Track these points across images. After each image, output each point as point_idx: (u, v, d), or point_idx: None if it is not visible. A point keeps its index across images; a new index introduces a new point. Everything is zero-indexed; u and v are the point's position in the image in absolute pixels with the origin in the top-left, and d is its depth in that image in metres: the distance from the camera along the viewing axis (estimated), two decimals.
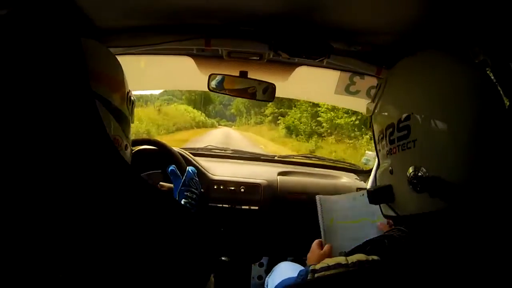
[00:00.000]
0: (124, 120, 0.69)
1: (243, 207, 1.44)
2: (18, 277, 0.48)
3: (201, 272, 0.71)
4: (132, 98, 0.73)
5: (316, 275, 0.53)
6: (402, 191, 0.55)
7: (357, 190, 1.41)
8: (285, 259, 1.34)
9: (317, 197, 0.94)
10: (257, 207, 1.44)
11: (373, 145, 0.69)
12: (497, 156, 0.49)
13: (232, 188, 1.43)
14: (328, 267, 0.53)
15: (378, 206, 0.64)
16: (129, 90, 0.73)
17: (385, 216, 0.62)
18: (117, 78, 0.68)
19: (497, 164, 0.49)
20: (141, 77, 1.44)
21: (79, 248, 0.51)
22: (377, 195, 0.61)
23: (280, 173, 1.54)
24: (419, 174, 0.51)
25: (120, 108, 0.68)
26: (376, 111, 0.64)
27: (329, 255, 0.84)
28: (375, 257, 0.52)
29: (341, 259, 0.53)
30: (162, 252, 0.59)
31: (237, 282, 1.50)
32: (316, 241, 0.91)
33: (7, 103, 0.50)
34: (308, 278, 0.54)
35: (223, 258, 1.24)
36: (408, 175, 0.52)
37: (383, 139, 0.60)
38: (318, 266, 0.54)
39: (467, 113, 0.50)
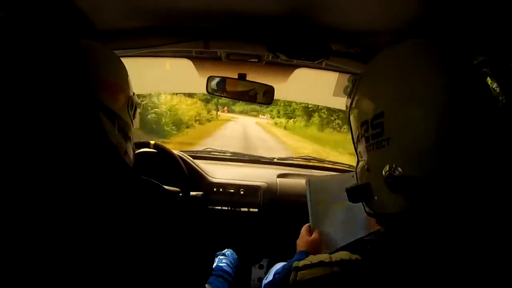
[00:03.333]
0: (124, 125, 0.67)
1: (242, 209, 1.43)
2: (19, 277, 0.48)
3: (200, 272, 0.71)
4: (135, 102, 0.71)
5: (299, 273, 0.52)
6: (379, 189, 0.54)
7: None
8: (285, 261, 1.33)
9: (307, 179, 0.92)
10: (256, 210, 1.44)
11: None
12: (478, 155, 0.48)
13: (232, 190, 1.43)
14: (312, 265, 0.52)
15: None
16: (133, 94, 0.71)
17: (367, 214, 0.61)
18: (117, 82, 0.66)
19: (476, 163, 0.48)
20: (139, 80, 1.44)
21: (80, 249, 0.51)
22: (355, 193, 0.59)
23: (280, 175, 1.54)
24: (395, 173, 0.50)
25: (120, 114, 0.66)
26: (352, 107, 0.62)
27: (318, 241, 0.84)
28: (358, 256, 0.51)
29: (325, 257, 0.52)
30: (161, 252, 0.59)
31: (237, 284, 1.50)
32: (305, 226, 0.90)
33: (4, 107, 0.50)
34: (291, 278, 0.53)
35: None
36: (384, 174, 0.51)
37: (359, 136, 0.58)
38: (301, 264, 0.53)
39: (441, 109, 0.48)
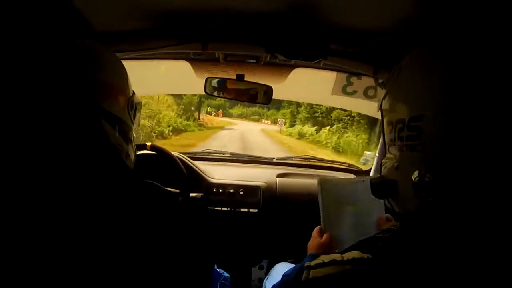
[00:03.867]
0: (125, 128, 0.67)
1: (242, 209, 1.43)
2: (20, 277, 0.48)
3: (200, 273, 0.71)
4: (134, 102, 0.70)
5: (311, 271, 0.53)
6: (405, 190, 0.52)
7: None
8: (285, 261, 1.33)
9: (319, 179, 0.92)
10: (256, 210, 1.44)
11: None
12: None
13: (231, 191, 1.43)
14: (324, 264, 0.53)
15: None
16: (132, 94, 0.70)
17: (387, 209, 0.61)
18: (116, 84, 0.65)
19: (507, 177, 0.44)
20: (137, 82, 1.44)
21: (81, 250, 0.51)
22: (380, 188, 0.58)
23: (279, 175, 1.54)
24: (425, 179, 0.48)
25: (120, 116, 0.65)
26: (386, 99, 0.59)
27: (329, 244, 0.83)
28: (369, 255, 0.51)
29: (337, 256, 0.53)
30: (162, 254, 0.59)
31: (238, 285, 1.50)
32: (316, 228, 0.89)
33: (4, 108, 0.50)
34: (303, 276, 0.54)
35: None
36: (413, 178, 0.49)
37: (392, 131, 0.55)
38: (313, 263, 0.54)
39: (486, 122, 0.43)
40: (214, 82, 1.22)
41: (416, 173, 0.49)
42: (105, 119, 0.60)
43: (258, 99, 1.24)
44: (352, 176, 1.64)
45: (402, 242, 0.53)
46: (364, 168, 1.73)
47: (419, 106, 0.50)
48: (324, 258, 0.54)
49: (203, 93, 1.24)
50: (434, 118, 0.47)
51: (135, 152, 0.74)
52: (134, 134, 0.72)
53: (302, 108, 14.45)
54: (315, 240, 0.86)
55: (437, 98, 0.47)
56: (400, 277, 0.48)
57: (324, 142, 12.03)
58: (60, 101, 0.53)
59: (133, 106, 0.69)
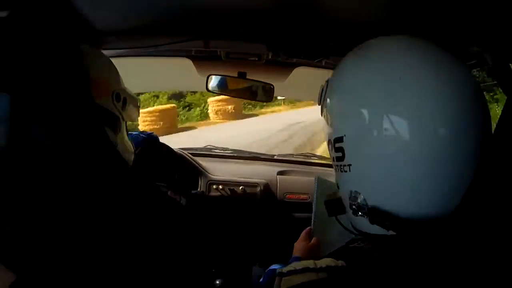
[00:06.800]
0: (112, 119, 0.71)
1: (242, 207, 1.44)
2: (22, 277, 0.48)
3: (201, 270, 0.72)
4: (121, 95, 0.74)
5: (283, 279, 0.49)
6: (347, 208, 0.51)
7: None
8: (285, 260, 1.34)
9: (316, 177, 0.88)
10: (256, 207, 1.44)
11: None
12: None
13: (232, 188, 1.43)
14: (296, 271, 0.49)
15: None
16: (119, 87, 0.74)
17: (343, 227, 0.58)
18: (97, 76, 0.69)
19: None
20: (139, 79, 1.44)
21: (81, 251, 0.51)
22: (330, 208, 0.58)
23: (280, 173, 1.55)
24: (358, 200, 0.47)
25: (106, 107, 0.69)
26: (322, 115, 0.57)
27: (316, 249, 0.79)
28: (343, 263, 0.48)
29: (310, 263, 0.49)
30: (163, 252, 0.60)
31: (237, 284, 1.51)
32: (306, 230, 0.85)
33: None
34: (275, 284, 0.50)
35: (217, 282, 1.22)
36: (348, 198, 0.49)
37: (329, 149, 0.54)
38: (285, 270, 0.50)
39: (408, 136, 0.42)
40: (216, 80, 1.23)
41: (350, 193, 0.48)
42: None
43: (259, 96, 1.24)
44: None
45: (373, 250, 0.51)
46: None
47: (340, 126, 0.48)
48: (296, 265, 0.50)
49: (205, 90, 1.25)
50: (353, 138, 0.46)
51: (132, 148, 0.75)
52: (123, 125, 0.76)
53: None
54: (302, 242, 0.82)
55: (354, 117, 0.46)
56: (374, 285, 0.46)
57: None
58: (59, 98, 0.54)
59: (120, 98, 0.73)
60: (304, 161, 1.76)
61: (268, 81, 1.22)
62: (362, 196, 0.47)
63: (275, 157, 1.76)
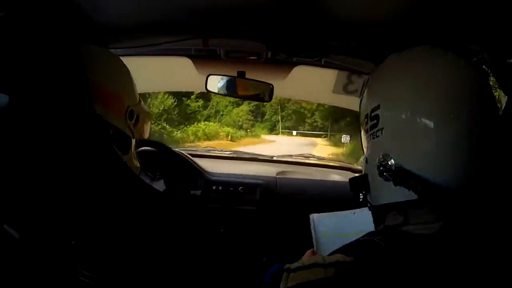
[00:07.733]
0: (123, 140, 0.66)
1: (242, 207, 1.43)
2: (23, 277, 0.48)
3: (201, 272, 0.71)
4: (135, 112, 0.67)
5: (291, 274, 0.49)
6: (374, 179, 0.56)
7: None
8: (285, 260, 1.34)
9: (311, 216, 0.91)
10: (256, 207, 1.44)
11: None
12: (482, 156, 0.50)
13: (231, 188, 1.43)
14: (304, 267, 0.49)
15: (367, 223, 0.63)
16: (136, 102, 0.68)
17: (369, 208, 0.63)
18: (115, 92, 0.64)
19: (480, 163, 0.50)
20: (139, 79, 1.44)
21: (82, 251, 0.51)
22: (353, 184, 0.63)
23: (279, 173, 1.54)
24: (387, 162, 0.52)
25: (117, 125, 0.64)
26: (360, 104, 0.66)
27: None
28: (352, 258, 0.48)
29: (319, 258, 0.49)
30: (163, 253, 0.59)
31: (237, 284, 1.50)
32: (308, 252, 0.81)
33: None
34: (282, 279, 0.50)
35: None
36: (377, 162, 0.54)
37: (362, 130, 0.63)
38: (293, 266, 0.50)
39: (427, 106, 0.51)
40: (215, 80, 1.22)
41: (380, 156, 0.53)
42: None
43: (259, 97, 1.24)
44: (352, 175, 1.64)
45: (384, 244, 0.51)
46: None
47: (377, 98, 0.57)
48: (305, 260, 0.50)
49: (204, 90, 1.24)
50: (387, 105, 0.54)
51: (138, 161, 0.73)
52: (133, 143, 0.70)
53: None
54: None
55: (390, 92, 0.56)
56: (384, 281, 0.46)
57: None
58: (61, 102, 0.53)
59: (133, 115, 0.67)
60: (303, 162, 1.75)
61: (268, 80, 1.22)
62: (391, 159, 0.52)
63: (274, 158, 1.76)
